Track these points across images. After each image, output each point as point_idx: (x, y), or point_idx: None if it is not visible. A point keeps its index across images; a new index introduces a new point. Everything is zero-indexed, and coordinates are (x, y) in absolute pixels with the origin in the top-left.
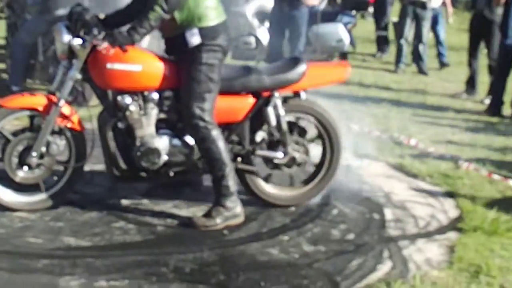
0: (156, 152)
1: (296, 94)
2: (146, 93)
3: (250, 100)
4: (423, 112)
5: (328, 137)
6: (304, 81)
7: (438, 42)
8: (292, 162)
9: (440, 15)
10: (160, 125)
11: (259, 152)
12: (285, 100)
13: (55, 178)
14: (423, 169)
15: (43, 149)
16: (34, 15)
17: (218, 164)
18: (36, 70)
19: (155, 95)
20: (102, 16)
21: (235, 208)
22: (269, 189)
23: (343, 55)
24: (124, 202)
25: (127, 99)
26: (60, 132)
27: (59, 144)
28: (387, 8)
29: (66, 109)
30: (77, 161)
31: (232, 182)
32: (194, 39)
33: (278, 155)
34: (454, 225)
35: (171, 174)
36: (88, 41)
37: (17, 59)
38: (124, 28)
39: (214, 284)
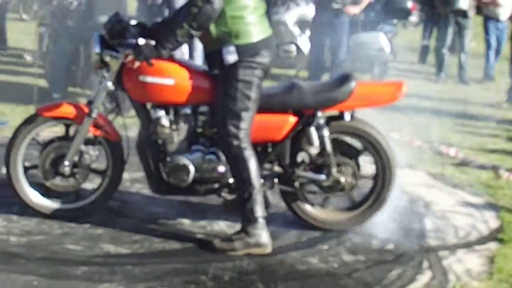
0: (184, 169)
1: (342, 114)
2: (179, 107)
3: (291, 119)
4: (464, 121)
5: (380, 159)
6: (351, 100)
7: (496, 54)
8: (337, 185)
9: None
10: (194, 141)
11: (300, 173)
12: (330, 120)
13: (94, 186)
14: (464, 179)
15: (76, 158)
16: (76, 22)
17: (246, 185)
18: (77, 77)
19: (188, 110)
20: (148, 24)
21: (259, 236)
22: (316, 212)
23: (383, 64)
24: (163, 209)
25: (159, 113)
26: (94, 141)
27: (92, 154)
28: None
29: (100, 119)
30: (114, 170)
31: (258, 208)
32: (231, 56)
33: (321, 177)
34: (495, 235)
35: (203, 191)
36: (121, 53)
37: (58, 66)
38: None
39: None
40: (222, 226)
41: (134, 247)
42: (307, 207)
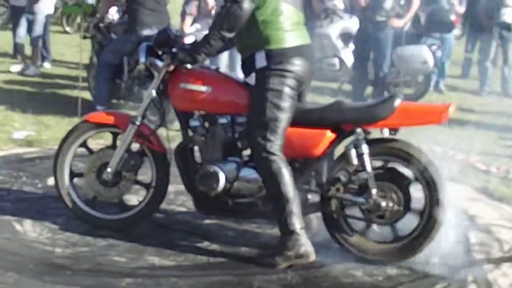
0: (214, 176)
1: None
2: (216, 116)
3: (329, 134)
4: (507, 135)
5: (425, 183)
6: (393, 118)
7: None
8: (377, 209)
9: None
10: (232, 152)
11: (338, 194)
12: (374, 141)
13: (139, 199)
14: (508, 193)
15: (119, 167)
16: (120, 35)
17: (280, 198)
18: (121, 90)
19: (225, 120)
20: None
21: (298, 247)
22: (358, 241)
23: (428, 77)
24: (208, 222)
25: (196, 121)
26: (139, 151)
27: (134, 163)
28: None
29: (146, 129)
30: (159, 182)
31: (295, 220)
32: (260, 62)
33: (359, 200)
34: None
35: (237, 204)
36: (166, 61)
37: (102, 78)
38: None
39: None
40: (267, 238)
41: (179, 259)
42: (349, 235)
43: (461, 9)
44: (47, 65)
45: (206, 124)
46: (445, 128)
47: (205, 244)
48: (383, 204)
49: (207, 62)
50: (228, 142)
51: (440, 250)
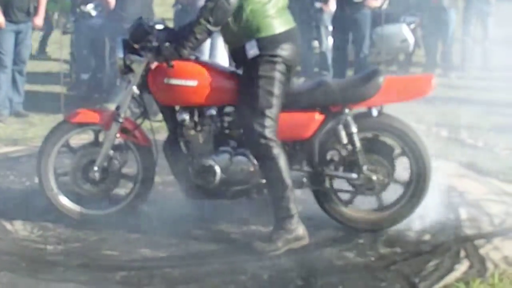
0: (211, 170)
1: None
2: (204, 108)
3: (318, 117)
4: (491, 109)
5: (412, 155)
6: (379, 96)
7: None
8: (369, 183)
9: None
10: (222, 142)
11: (330, 172)
12: (359, 117)
13: (126, 191)
14: (495, 167)
15: (105, 164)
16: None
17: (278, 184)
18: (103, 84)
19: (213, 111)
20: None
21: (297, 230)
22: (349, 212)
23: (408, 55)
24: (198, 211)
25: (184, 115)
26: (123, 146)
27: (121, 159)
28: None
29: (128, 124)
30: (145, 174)
31: (293, 205)
32: (253, 51)
33: (352, 176)
34: None
35: (232, 193)
36: (144, 56)
37: (80, 46)
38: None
39: None
40: (258, 225)
41: (171, 250)
42: (340, 207)
43: None
44: None
45: (194, 117)
46: (429, 105)
47: (196, 233)
48: (374, 178)
49: None
50: (218, 133)
51: (431, 227)
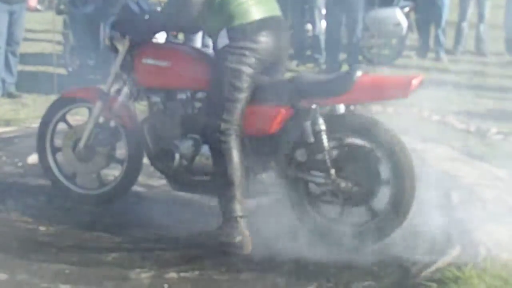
0: (169, 155)
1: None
2: (176, 92)
3: (284, 111)
4: (484, 93)
5: (389, 158)
6: (352, 93)
7: None
8: (337, 189)
9: None
10: (190, 129)
11: (296, 173)
12: (332, 116)
13: (116, 173)
14: (488, 151)
15: (90, 141)
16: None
17: (225, 181)
18: (98, 61)
19: (184, 95)
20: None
21: (233, 236)
22: (329, 225)
23: (401, 39)
24: (189, 193)
25: (155, 97)
26: (111, 127)
27: (104, 137)
28: None
29: (115, 103)
30: (132, 156)
31: (237, 207)
32: (221, 40)
33: (317, 179)
34: None
35: (199, 181)
36: (127, 36)
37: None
38: None
39: (285, 272)
40: (251, 206)
41: (162, 232)
42: (318, 221)
43: None
44: None
45: (165, 100)
46: (421, 88)
47: (187, 215)
48: (343, 184)
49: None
50: (188, 118)
51: (423, 211)
